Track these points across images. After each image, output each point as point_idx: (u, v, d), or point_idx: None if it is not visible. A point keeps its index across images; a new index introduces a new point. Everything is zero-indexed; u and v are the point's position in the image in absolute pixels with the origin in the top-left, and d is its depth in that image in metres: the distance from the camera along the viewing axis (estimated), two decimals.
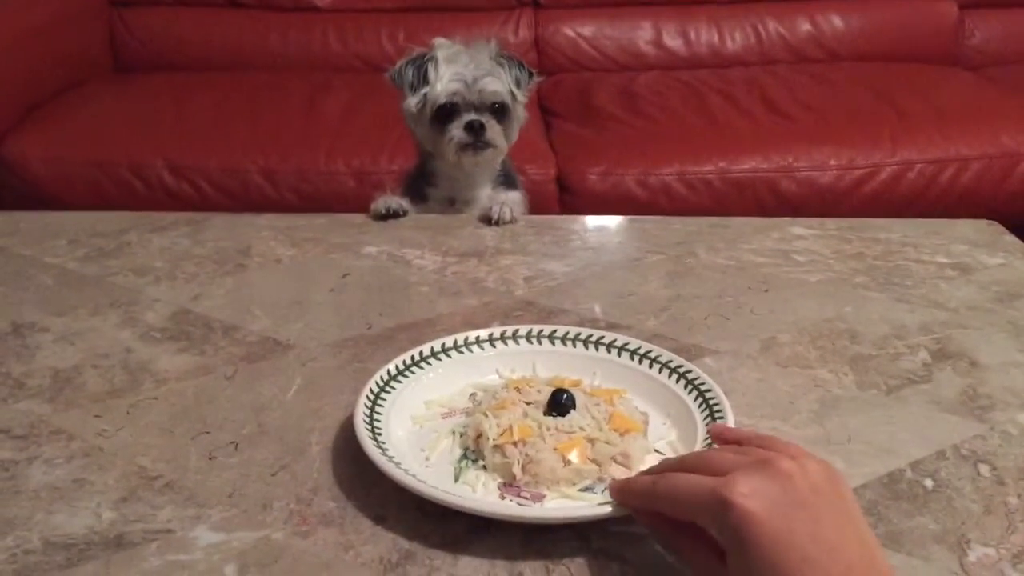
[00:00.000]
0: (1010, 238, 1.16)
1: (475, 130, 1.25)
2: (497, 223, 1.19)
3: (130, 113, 2.10)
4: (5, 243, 1.13)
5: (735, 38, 2.52)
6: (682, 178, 1.88)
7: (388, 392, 0.76)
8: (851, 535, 0.52)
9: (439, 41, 1.27)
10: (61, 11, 2.38)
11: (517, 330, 0.85)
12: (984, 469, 0.72)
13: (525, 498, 0.67)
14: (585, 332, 0.85)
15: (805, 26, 2.52)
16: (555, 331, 0.85)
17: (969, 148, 1.91)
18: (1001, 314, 0.96)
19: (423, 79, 1.25)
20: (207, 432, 0.76)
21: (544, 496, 0.67)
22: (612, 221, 1.27)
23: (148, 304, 0.98)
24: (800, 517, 0.51)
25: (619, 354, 0.83)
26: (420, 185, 1.32)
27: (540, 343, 0.85)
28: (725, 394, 0.74)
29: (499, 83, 1.26)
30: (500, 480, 0.69)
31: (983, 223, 1.20)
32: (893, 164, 1.90)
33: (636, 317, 0.94)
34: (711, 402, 0.74)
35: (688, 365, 0.79)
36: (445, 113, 1.26)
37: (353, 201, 1.79)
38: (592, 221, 1.29)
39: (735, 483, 0.52)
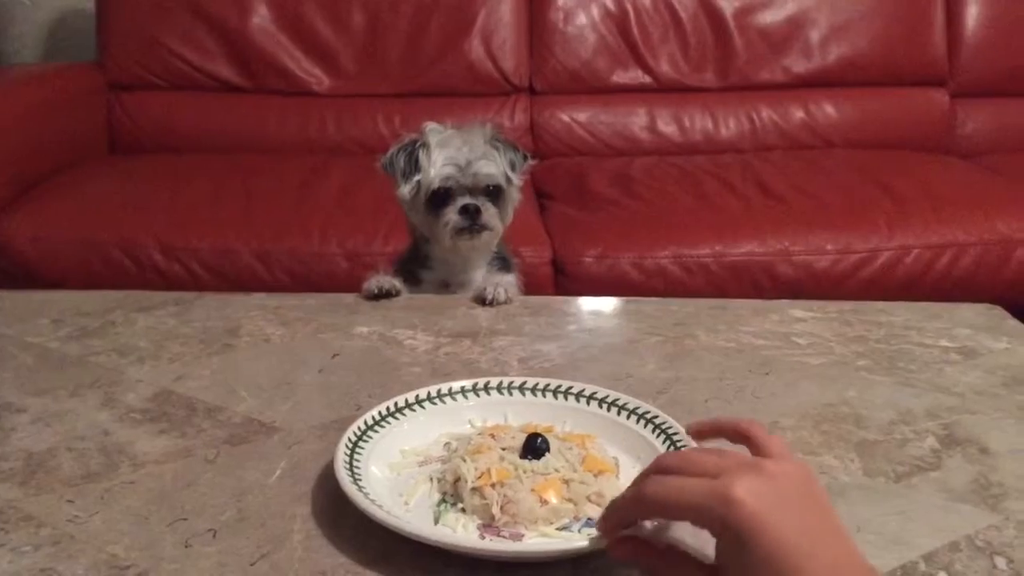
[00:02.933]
0: (1013, 322, 1.14)
1: (470, 213, 1.23)
2: (491, 304, 1.17)
3: (123, 194, 2.09)
4: None
5: (729, 125, 2.54)
6: (678, 261, 1.87)
7: (365, 442, 0.78)
8: (831, 529, 0.57)
9: (430, 126, 1.27)
10: (59, 93, 2.40)
11: (488, 382, 0.88)
12: (1000, 562, 0.68)
13: (504, 538, 0.69)
14: (554, 383, 0.88)
15: (798, 114, 2.55)
16: (525, 382, 0.88)
17: (966, 234, 1.91)
18: (1009, 399, 0.94)
19: (415, 166, 1.24)
20: (184, 518, 0.72)
21: (523, 535, 0.69)
22: (608, 302, 1.25)
23: (130, 385, 0.95)
24: (791, 514, 0.55)
25: (587, 402, 0.86)
26: (414, 268, 1.30)
27: (511, 394, 0.88)
28: None
29: (493, 166, 1.25)
30: (479, 521, 0.71)
31: (985, 307, 1.18)
32: (890, 249, 1.89)
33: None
34: (678, 444, 0.77)
35: (654, 411, 0.82)
36: (440, 198, 1.24)
37: (346, 283, 1.77)
38: (588, 302, 1.27)
39: (735, 484, 0.55)
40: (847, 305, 1.19)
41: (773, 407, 0.91)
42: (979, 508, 0.75)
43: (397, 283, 1.22)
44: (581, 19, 2.55)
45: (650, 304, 1.21)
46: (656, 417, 0.82)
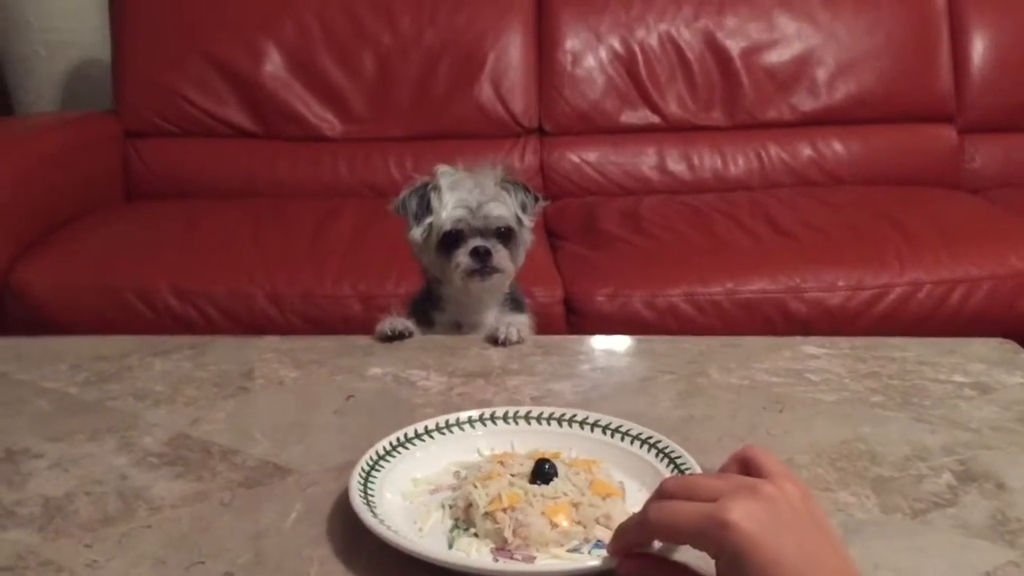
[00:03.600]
0: None
1: (481, 256, 1.23)
2: (504, 344, 1.17)
3: (138, 239, 2.11)
4: (5, 368, 1.11)
5: (738, 163, 2.56)
6: (690, 299, 1.87)
7: (378, 471, 0.81)
8: (829, 548, 0.59)
9: (442, 168, 1.28)
10: (75, 141, 2.43)
11: (495, 411, 0.91)
12: None
13: (517, 560, 0.71)
14: (559, 411, 0.91)
15: (807, 151, 2.56)
16: (530, 411, 0.91)
17: (978, 269, 1.91)
18: None
19: (427, 208, 1.25)
20: (201, 562, 0.72)
21: (535, 558, 0.71)
22: (621, 341, 1.25)
23: (146, 429, 0.96)
24: (788, 535, 0.57)
25: (592, 430, 0.89)
26: (426, 309, 1.31)
27: (517, 423, 0.91)
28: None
29: (504, 208, 1.25)
30: (492, 545, 0.73)
31: (998, 341, 1.18)
32: (902, 285, 1.89)
33: None
34: (682, 468, 0.80)
35: (658, 436, 0.85)
36: (451, 240, 1.24)
37: (359, 325, 1.78)
38: (600, 341, 1.27)
39: (729, 507, 0.57)
40: (859, 341, 1.19)
41: (788, 444, 0.91)
42: (997, 544, 0.74)
43: (410, 324, 1.22)
44: (589, 61, 2.58)
45: (662, 343, 1.21)
46: (659, 443, 0.84)
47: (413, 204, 1.26)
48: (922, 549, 0.74)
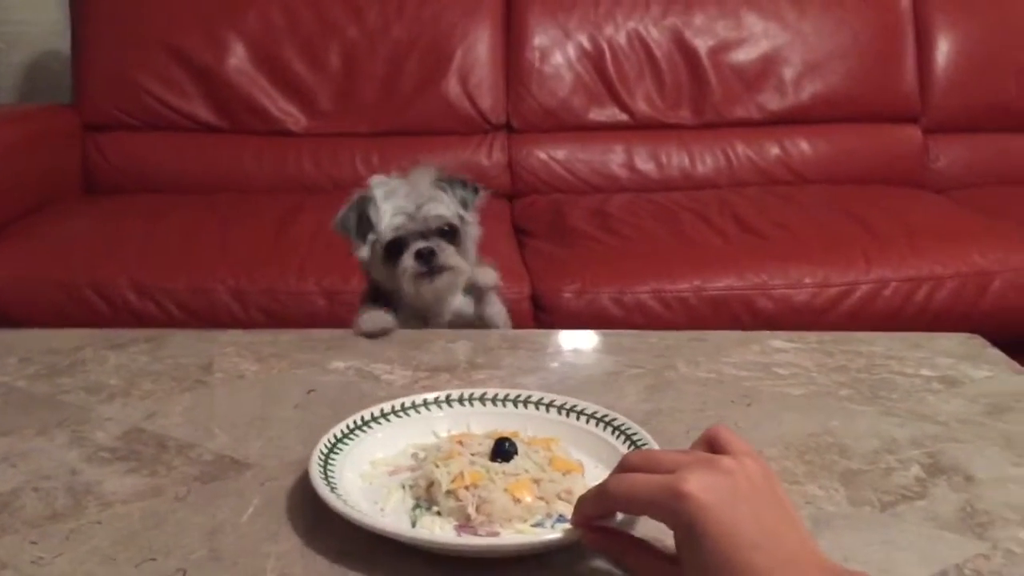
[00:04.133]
0: (993, 351, 1.14)
1: (425, 257, 1.20)
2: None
3: (97, 233, 2.07)
4: None
5: (705, 161, 2.56)
6: (657, 296, 1.86)
7: (336, 454, 0.81)
8: (786, 522, 0.59)
9: (375, 179, 1.24)
10: (33, 134, 2.38)
11: (450, 394, 0.91)
12: None
13: (482, 536, 0.72)
14: (514, 392, 0.92)
15: (774, 150, 2.57)
16: (485, 393, 0.92)
17: (943, 267, 1.92)
18: (992, 427, 0.93)
19: (368, 223, 1.22)
20: (152, 559, 0.70)
21: (499, 533, 0.72)
22: (588, 336, 1.24)
23: (99, 423, 0.93)
24: (744, 508, 0.57)
25: (547, 410, 0.90)
26: (363, 305, 1.27)
27: (473, 405, 0.91)
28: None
29: (443, 206, 1.22)
30: (455, 523, 0.73)
31: (965, 336, 1.18)
32: (868, 282, 1.89)
33: None
34: (639, 444, 0.81)
35: (613, 414, 0.86)
36: (395, 248, 1.21)
37: (324, 322, 1.76)
38: (567, 335, 1.25)
39: (685, 479, 0.57)
40: (827, 335, 1.18)
41: (756, 438, 0.90)
42: (966, 537, 0.74)
43: (391, 319, 1.19)
44: (557, 58, 2.57)
45: (629, 337, 1.20)
46: (615, 420, 0.85)
47: (352, 221, 1.23)
48: (892, 541, 0.73)
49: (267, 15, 2.52)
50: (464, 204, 1.25)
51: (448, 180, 1.25)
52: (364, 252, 1.23)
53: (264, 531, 0.73)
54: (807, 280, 1.89)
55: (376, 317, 1.19)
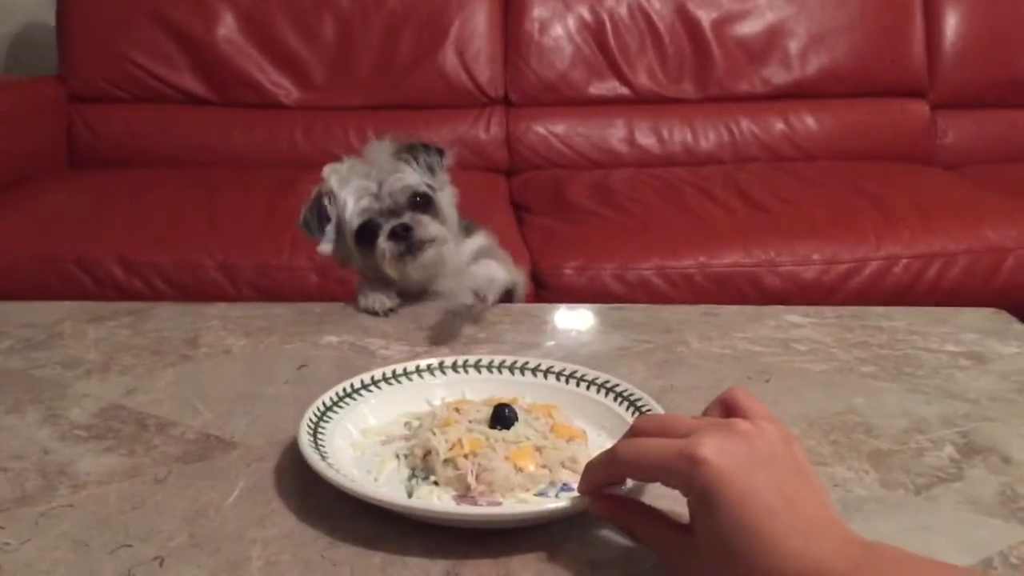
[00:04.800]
0: (1020, 326, 1.08)
1: (399, 235, 1.10)
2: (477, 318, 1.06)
3: (82, 208, 2.01)
4: None
5: (708, 136, 2.50)
6: (661, 273, 1.81)
7: (325, 423, 0.76)
8: (807, 490, 0.55)
9: (326, 169, 1.14)
10: (17, 106, 2.32)
11: (443, 361, 0.87)
12: None
13: (483, 506, 0.68)
14: (510, 359, 0.87)
15: (779, 125, 2.51)
16: (480, 360, 0.87)
17: (955, 243, 1.86)
18: None
19: (327, 217, 1.13)
20: (128, 545, 0.64)
21: (500, 503, 0.68)
22: (593, 310, 1.18)
23: (75, 399, 0.87)
24: (762, 474, 0.54)
25: (545, 376, 0.86)
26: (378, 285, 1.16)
27: (467, 372, 0.87)
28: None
29: (408, 175, 1.11)
30: (454, 492, 0.70)
31: (989, 311, 1.12)
32: (878, 259, 1.84)
33: None
34: (643, 409, 0.77)
35: (615, 380, 0.82)
36: (368, 233, 1.11)
37: (316, 297, 1.70)
38: (571, 310, 1.19)
39: (701, 443, 0.54)
40: (845, 310, 1.12)
41: (777, 415, 0.84)
42: (1009, 522, 0.68)
43: (394, 298, 1.12)
44: (557, 30, 2.50)
45: (637, 311, 1.14)
46: (617, 386, 0.82)
47: (314, 219, 1.14)
48: (929, 527, 0.68)
49: None
50: (431, 170, 1.14)
51: (408, 148, 1.15)
52: (326, 247, 1.14)
53: (250, 515, 0.68)
54: (816, 256, 1.83)
55: (377, 299, 1.11)
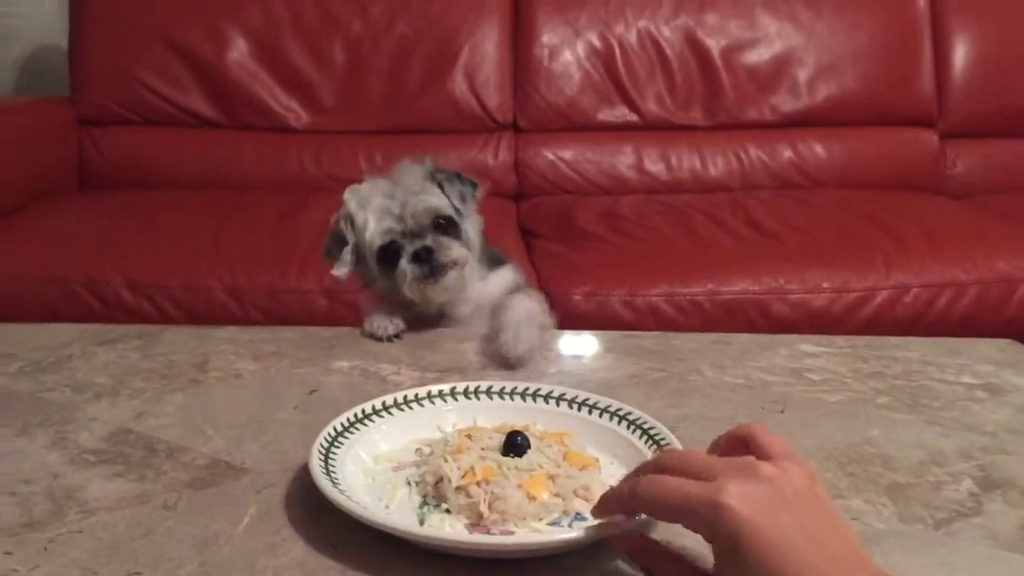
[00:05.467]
0: None
1: (422, 258, 1.08)
2: (517, 365, 1.01)
3: (91, 230, 2.00)
4: None
5: (717, 163, 2.49)
6: (670, 299, 1.80)
7: (337, 447, 0.76)
8: (831, 529, 0.55)
9: (347, 192, 1.13)
10: (27, 128, 2.32)
11: (455, 387, 0.86)
12: None
13: (496, 535, 0.67)
14: (522, 386, 0.87)
15: (787, 153, 2.50)
16: (492, 386, 0.87)
17: (965, 273, 1.85)
18: None
19: (345, 240, 1.12)
20: (138, 572, 0.64)
21: (513, 532, 0.67)
22: (605, 337, 1.17)
23: (83, 423, 0.86)
24: (786, 517, 0.53)
25: (557, 403, 0.85)
26: (393, 308, 1.15)
27: (479, 398, 0.86)
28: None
29: (434, 198, 1.10)
30: (466, 521, 0.69)
31: (1004, 342, 1.12)
32: (888, 288, 1.83)
33: None
34: (657, 439, 0.76)
35: (628, 408, 0.81)
36: (391, 255, 1.09)
37: (324, 322, 1.69)
38: (583, 337, 1.19)
39: (725, 489, 0.54)
40: (859, 340, 1.12)
41: (793, 447, 0.84)
42: None
43: (401, 323, 1.11)
44: (566, 56, 2.50)
45: (649, 339, 1.14)
46: (630, 414, 0.81)
47: (334, 244, 1.13)
48: (949, 563, 0.67)
49: (269, 8, 2.45)
50: (462, 199, 1.13)
51: (443, 173, 1.14)
52: (342, 271, 1.12)
53: (261, 543, 0.67)
54: (825, 285, 1.82)
55: (382, 324, 1.10)
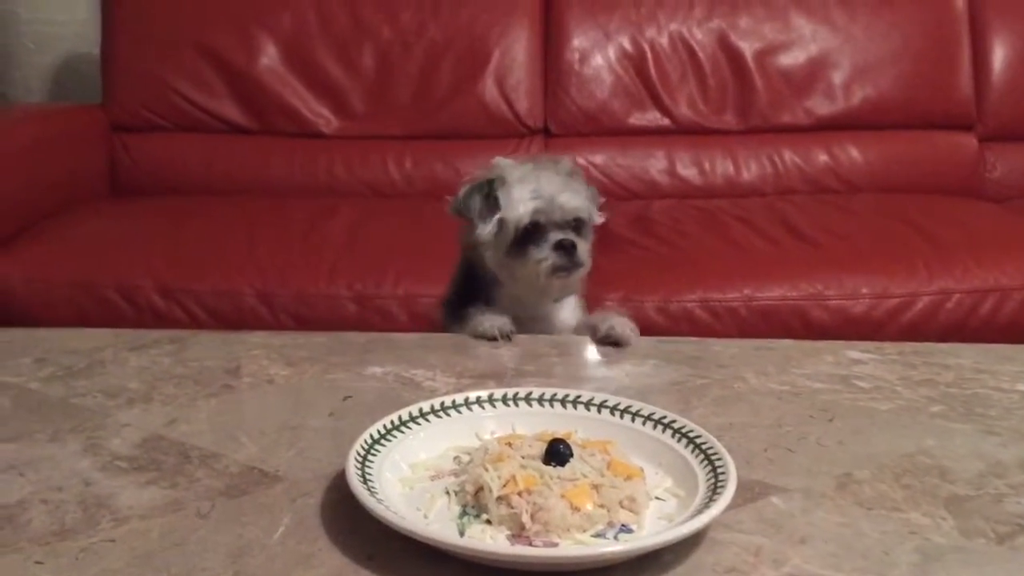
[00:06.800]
0: None
1: (567, 250, 1.10)
2: (618, 343, 1.07)
3: (122, 235, 2.00)
4: None
5: (751, 168, 2.46)
6: (705, 306, 1.76)
7: (374, 455, 0.74)
8: None
9: (501, 161, 1.15)
10: (60, 133, 2.33)
11: (492, 393, 0.84)
12: None
13: (539, 546, 0.65)
14: (562, 392, 0.84)
15: (822, 157, 2.46)
16: (531, 392, 0.85)
17: (1009, 279, 1.80)
18: None
19: (494, 204, 1.12)
20: None
21: (557, 544, 0.65)
22: (644, 342, 1.14)
23: (116, 429, 0.85)
24: None
25: (599, 411, 0.83)
26: (471, 308, 1.16)
27: (517, 405, 0.84)
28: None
29: (579, 199, 1.14)
30: (508, 532, 0.66)
31: None
32: (930, 294, 1.78)
33: None
34: (704, 448, 0.74)
35: (672, 415, 0.79)
36: (527, 235, 1.11)
37: (354, 327, 1.68)
38: None
39: None
40: (907, 346, 1.08)
41: (843, 457, 0.81)
42: None
43: (509, 322, 1.11)
44: (597, 60, 2.47)
45: (689, 344, 1.11)
46: (674, 422, 0.78)
47: (477, 202, 1.13)
48: None
49: (300, 14, 2.44)
50: (593, 203, 1.18)
51: (579, 174, 1.19)
52: (486, 233, 1.12)
53: (296, 553, 0.65)
54: (864, 290, 1.78)
55: (497, 320, 1.10)
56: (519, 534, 0.66)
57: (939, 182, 2.45)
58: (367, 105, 2.47)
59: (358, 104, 2.47)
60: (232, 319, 1.75)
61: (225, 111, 2.46)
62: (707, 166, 2.46)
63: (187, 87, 2.44)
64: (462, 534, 0.67)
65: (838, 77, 2.48)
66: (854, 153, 2.47)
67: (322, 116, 2.47)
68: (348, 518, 0.69)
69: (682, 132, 2.49)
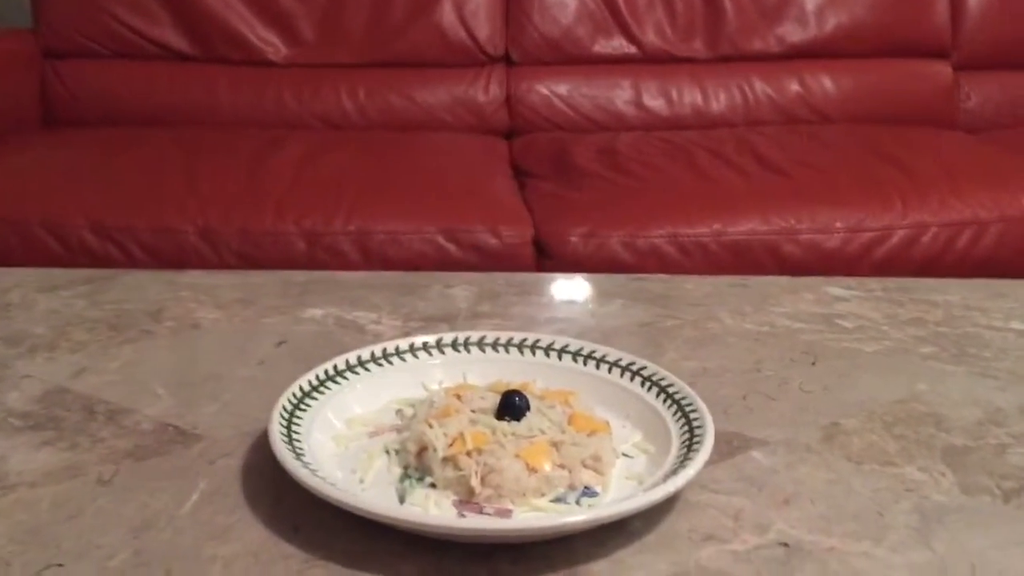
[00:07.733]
0: None
1: None
2: None
3: (52, 168, 1.87)
4: None
5: (720, 98, 2.36)
6: (673, 241, 1.68)
7: (303, 410, 0.65)
8: None
9: None
10: None
11: (441, 339, 0.76)
12: None
13: (489, 515, 0.58)
14: (518, 336, 0.77)
15: (793, 86, 2.37)
16: (484, 337, 0.77)
17: (986, 211, 1.74)
18: None
19: None
20: (59, 564, 0.53)
21: (511, 511, 0.59)
22: (609, 280, 1.05)
23: (14, 381, 0.75)
24: None
25: (560, 356, 0.75)
26: None
27: (468, 351, 0.76)
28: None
29: None
30: (455, 497, 0.60)
31: None
32: (905, 227, 1.71)
33: None
34: (676, 397, 0.67)
35: (641, 362, 0.72)
36: None
37: (304, 266, 1.58)
38: (585, 280, 1.07)
39: None
40: (891, 282, 1.01)
41: (829, 404, 0.73)
42: None
43: None
44: None
45: (658, 282, 1.02)
46: (644, 368, 0.71)
47: None
48: None
49: None
50: None
51: None
52: None
53: (209, 526, 0.56)
54: (838, 224, 1.71)
55: None
56: (468, 500, 0.59)
57: (913, 112, 2.38)
58: (318, 31, 2.33)
59: (308, 30, 2.34)
60: (172, 259, 1.64)
61: (166, 37, 2.31)
62: (675, 96, 2.36)
63: (125, 10, 2.29)
64: (402, 500, 0.60)
65: (810, 3, 2.38)
66: (826, 82, 2.38)
67: (270, 43, 2.33)
68: (274, 483, 0.60)
69: (649, 61, 2.38)
